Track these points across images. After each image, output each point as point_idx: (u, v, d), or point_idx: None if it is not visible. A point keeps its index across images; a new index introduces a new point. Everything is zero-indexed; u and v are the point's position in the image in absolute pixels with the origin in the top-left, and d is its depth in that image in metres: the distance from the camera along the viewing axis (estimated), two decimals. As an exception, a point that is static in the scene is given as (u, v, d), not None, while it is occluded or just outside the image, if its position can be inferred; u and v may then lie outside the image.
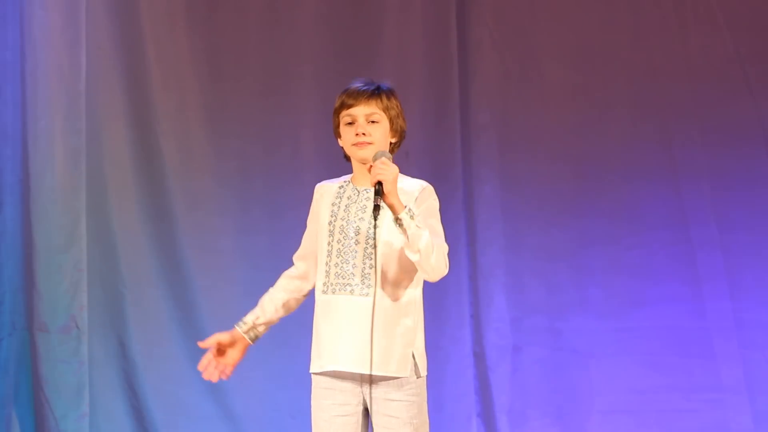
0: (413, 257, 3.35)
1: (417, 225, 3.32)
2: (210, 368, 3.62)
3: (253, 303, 5.41)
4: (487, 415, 5.51)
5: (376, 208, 3.30)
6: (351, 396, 3.46)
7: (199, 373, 5.34)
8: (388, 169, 3.32)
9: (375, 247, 3.42)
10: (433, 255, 3.34)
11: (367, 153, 3.47)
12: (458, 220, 5.50)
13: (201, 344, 3.59)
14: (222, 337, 3.61)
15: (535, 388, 5.52)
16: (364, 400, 3.46)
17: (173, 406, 5.35)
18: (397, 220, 3.31)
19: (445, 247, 3.43)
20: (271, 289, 3.66)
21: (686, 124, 5.57)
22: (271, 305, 3.64)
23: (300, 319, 5.45)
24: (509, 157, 5.59)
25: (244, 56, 5.53)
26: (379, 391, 3.43)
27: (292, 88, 5.54)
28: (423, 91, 5.59)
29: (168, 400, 5.35)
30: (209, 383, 5.34)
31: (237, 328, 3.62)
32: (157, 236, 5.42)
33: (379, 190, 3.30)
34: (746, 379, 5.44)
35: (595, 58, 5.61)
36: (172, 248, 5.41)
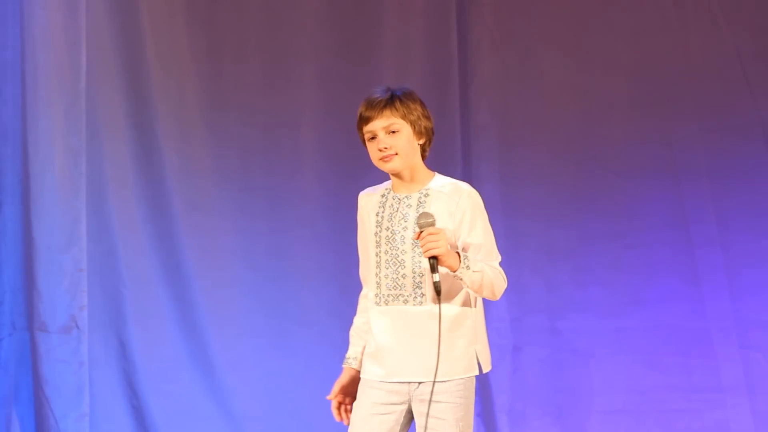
0: (474, 293, 3.37)
1: (473, 270, 3.31)
2: (344, 414, 3.56)
3: (252, 302, 5.46)
4: (487, 415, 5.50)
5: (437, 288, 3.27)
6: (397, 396, 3.41)
7: (199, 373, 5.41)
8: (439, 240, 3.27)
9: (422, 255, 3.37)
10: (493, 286, 3.36)
11: (395, 164, 3.43)
12: (458, 220, 5.49)
13: (329, 397, 3.55)
14: (344, 381, 3.55)
15: (535, 388, 5.52)
16: (410, 400, 3.42)
17: (173, 406, 5.35)
18: (456, 277, 3.30)
19: (499, 259, 3.43)
20: (357, 318, 3.60)
21: (686, 124, 5.57)
22: (367, 330, 3.56)
23: (299, 319, 5.49)
24: (509, 157, 5.59)
25: (244, 56, 5.52)
26: (427, 391, 3.37)
27: (292, 87, 5.53)
28: (423, 91, 5.49)
29: (168, 400, 5.35)
30: (209, 383, 5.39)
31: (348, 366, 3.56)
32: (157, 236, 5.41)
33: (434, 264, 3.26)
34: (746, 379, 5.44)
35: (595, 58, 5.61)
36: (172, 248, 5.41)
